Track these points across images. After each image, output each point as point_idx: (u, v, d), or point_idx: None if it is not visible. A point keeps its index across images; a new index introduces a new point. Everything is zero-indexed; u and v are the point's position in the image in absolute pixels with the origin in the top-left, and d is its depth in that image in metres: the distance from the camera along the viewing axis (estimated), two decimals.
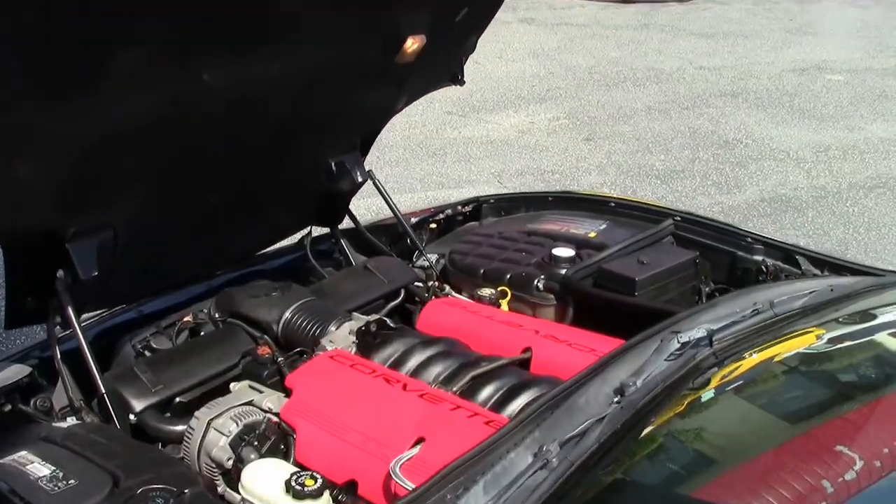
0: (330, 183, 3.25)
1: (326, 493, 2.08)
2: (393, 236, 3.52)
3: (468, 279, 3.21)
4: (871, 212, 7.05)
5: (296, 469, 2.14)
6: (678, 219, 3.31)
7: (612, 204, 3.51)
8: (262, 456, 2.33)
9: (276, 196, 3.18)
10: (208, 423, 2.39)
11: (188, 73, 2.36)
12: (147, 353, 2.86)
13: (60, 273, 2.53)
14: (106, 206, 2.56)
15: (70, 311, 2.56)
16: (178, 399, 2.63)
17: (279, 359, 2.63)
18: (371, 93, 3.09)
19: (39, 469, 2.12)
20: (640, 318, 2.73)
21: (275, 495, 2.07)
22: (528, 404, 2.32)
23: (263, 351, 2.66)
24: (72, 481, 2.07)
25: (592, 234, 3.30)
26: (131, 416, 2.53)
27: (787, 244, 3.17)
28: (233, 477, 2.33)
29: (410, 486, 2.07)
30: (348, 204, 3.41)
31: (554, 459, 1.93)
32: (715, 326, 2.38)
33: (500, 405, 2.43)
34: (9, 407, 2.49)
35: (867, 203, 7.25)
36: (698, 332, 2.36)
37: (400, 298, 3.23)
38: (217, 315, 2.97)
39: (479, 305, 2.95)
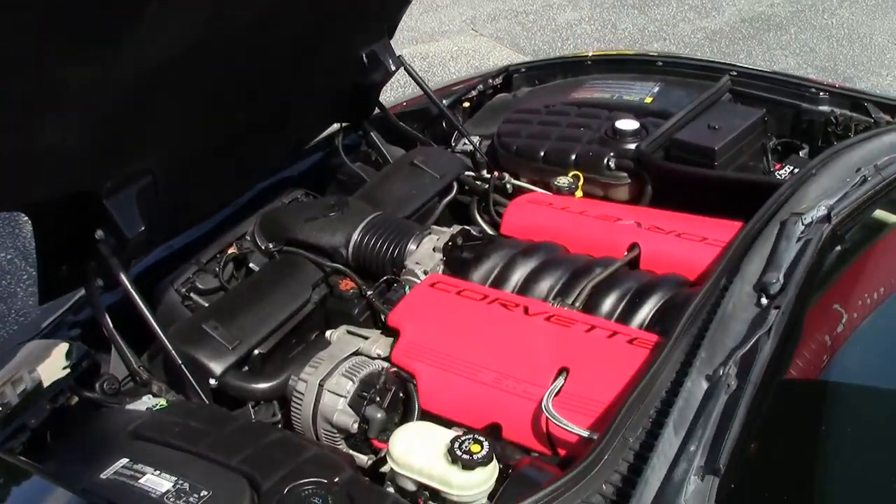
0: (361, 76, 2.98)
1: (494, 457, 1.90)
2: (425, 121, 3.27)
3: (527, 163, 2.98)
4: (848, 23, 6.90)
5: (452, 433, 1.96)
6: (734, 73, 3.11)
7: (660, 63, 3.27)
8: (386, 411, 2.16)
9: (307, 99, 2.89)
10: (320, 386, 2.18)
11: None
12: (193, 296, 2.61)
13: (100, 233, 2.26)
14: (142, 151, 2.29)
15: (122, 274, 2.29)
16: (256, 351, 2.41)
17: (368, 292, 2.40)
18: None
19: (156, 482, 1.81)
20: (723, 189, 2.61)
21: (439, 468, 1.86)
22: (664, 313, 2.20)
23: (346, 285, 2.42)
24: (204, 493, 1.76)
25: (649, 100, 3.08)
26: (212, 381, 2.30)
27: (853, 91, 3.02)
28: (357, 439, 2.16)
29: (568, 424, 1.93)
30: (379, 95, 3.13)
31: (733, 382, 1.80)
32: (831, 201, 2.25)
33: (626, 314, 2.28)
34: (76, 399, 2.20)
35: (843, 14, 7.08)
36: (819, 211, 2.23)
37: (453, 192, 3.02)
38: (267, 243, 2.71)
39: (565, 199, 2.74)
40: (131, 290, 2.29)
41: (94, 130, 2.06)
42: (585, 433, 1.93)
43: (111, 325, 2.33)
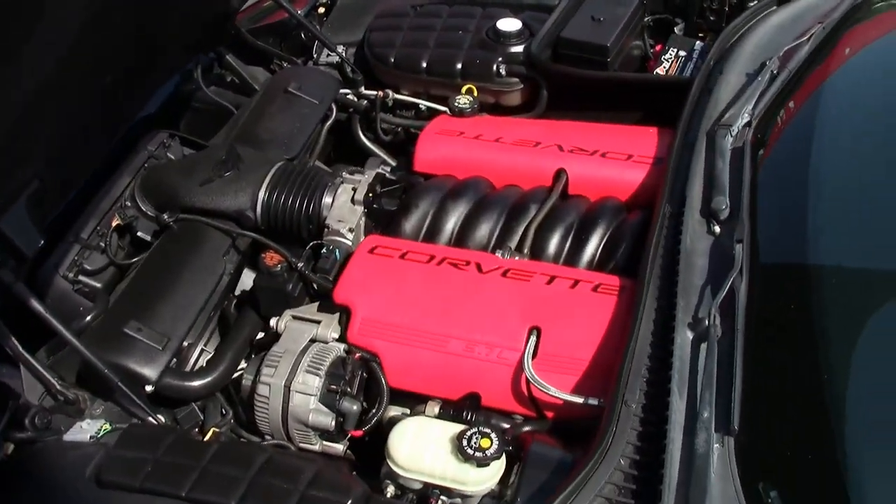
0: (220, 5, 2.69)
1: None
2: (281, 35, 3.00)
3: (408, 76, 2.82)
4: None
5: (451, 426, 1.90)
6: None
7: None
8: (359, 400, 2.07)
9: (169, 39, 2.61)
10: (286, 388, 2.05)
11: None
12: (83, 279, 2.36)
13: None
14: (26, 161, 2.05)
15: (32, 301, 2.06)
16: (185, 342, 2.24)
17: (298, 264, 2.24)
18: None
19: None
20: (624, 90, 2.59)
21: (452, 468, 1.82)
22: (613, 246, 2.21)
23: (272, 258, 2.24)
24: None
25: None
26: (148, 388, 2.12)
27: None
28: (333, 432, 2.07)
29: (555, 390, 1.93)
30: (235, 18, 2.84)
31: (719, 330, 1.82)
32: (750, 106, 2.27)
33: (574, 253, 2.25)
34: (10, 447, 1.99)
35: None
36: (742, 119, 2.26)
37: (333, 115, 2.83)
38: (155, 210, 2.46)
39: (474, 123, 2.60)
40: (43, 312, 2.06)
41: None
42: (574, 398, 1.93)
43: (20, 348, 2.08)
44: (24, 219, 2.02)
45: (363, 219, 2.38)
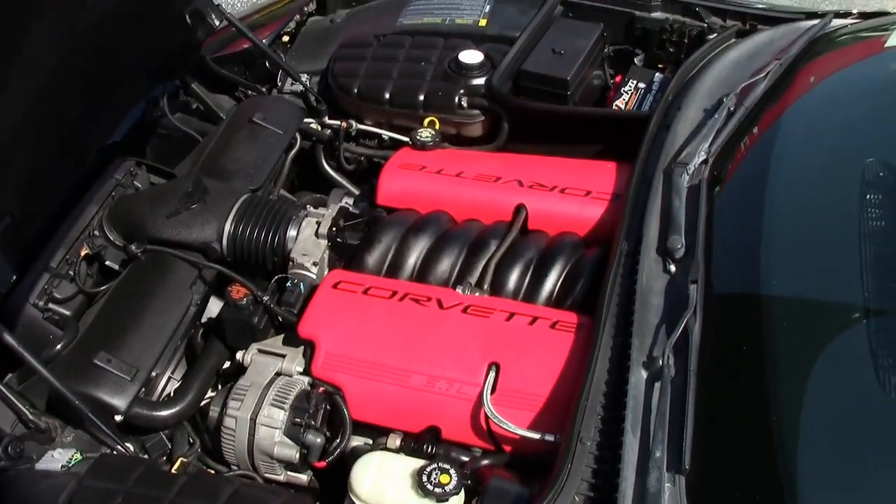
0: (186, 35, 2.73)
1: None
2: (245, 63, 3.03)
3: (372, 106, 2.86)
4: None
5: (412, 461, 1.95)
6: None
7: None
8: (322, 432, 2.12)
9: (134, 70, 2.64)
10: (252, 421, 2.10)
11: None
12: (52, 307, 2.37)
13: None
14: None
15: (6, 336, 2.07)
16: (154, 373, 2.28)
17: (264, 298, 2.28)
18: None
19: None
20: (583, 124, 2.65)
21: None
22: (571, 282, 2.27)
23: (238, 292, 2.28)
24: None
25: (483, 22, 2.99)
26: (117, 417, 2.17)
27: None
28: (297, 464, 2.13)
29: (513, 426, 1.99)
30: (200, 48, 2.88)
31: (672, 370, 1.88)
32: (706, 143, 2.34)
33: (533, 289, 2.31)
34: None
35: None
36: (699, 157, 2.32)
37: (297, 145, 2.88)
38: (122, 240, 2.49)
39: (436, 156, 2.65)
40: (15, 346, 2.08)
41: None
42: (531, 434, 1.98)
43: None
44: None
45: (327, 252, 2.43)
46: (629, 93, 2.85)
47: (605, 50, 3.02)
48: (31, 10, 1.83)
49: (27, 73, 1.94)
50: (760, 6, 2.97)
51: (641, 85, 2.86)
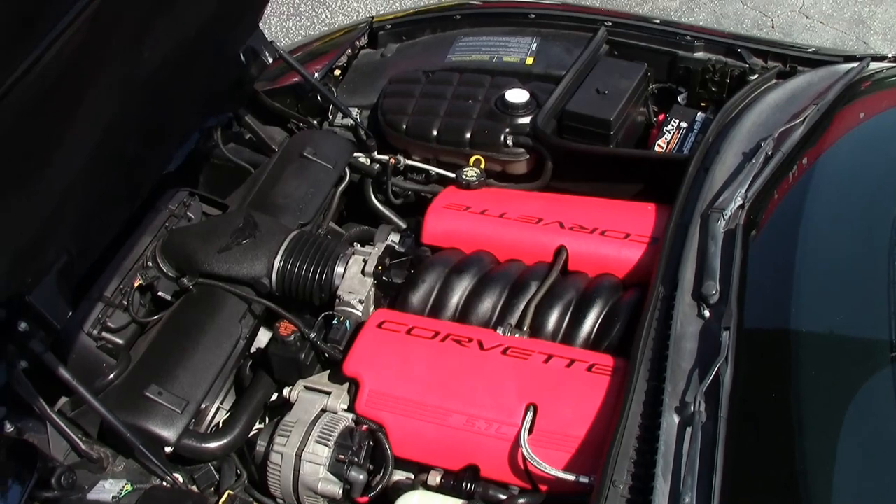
0: (240, 73, 2.82)
1: None
2: (297, 96, 3.12)
3: (419, 143, 2.94)
4: None
5: (455, 502, 2.04)
6: (609, 24, 3.11)
7: (532, 15, 3.21)
8: (365, 469, 2.20)
9: (189, 107, 2.74)
10: (297, 457, 2.19)
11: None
12: (106, 335, 2.46)
13: (24, 325, 2.12)
14: (58, 238, 2.18)
15: (60, 369, 2.17)
16: (203, 405, 2.37)
17: (311, 335, 2.37)
18: None
19: None
20: (625, 165, 2.70)
21: None
22: (608, 324, 2.34)
23: (286, 329, 2.37)
24: None
25: (530, 61, 3.05)
26: (167, 449, 2.27)
27: (726, 36, 3.09)
28: (341, 500, 2.21)
29: (550, 468, 2.05)
30: (253, 83, 2.97)
31: (703, 416, 1.93)
32: (743, 189, 2.37)
33: (572, 330, 2.37)
34: None
35: None
36: (736, 202, 2.35)
37: (347, 179, 2.96)
38: (175, 273, 2.59)
39: (481, 197, 2.73)
40: (70, 381, 2.18)
41: (18, 252, 1.95)
42: (566, 475, 2.04)
43: (48, 409, 2.22)
44: (54, 292, 2.14)
45: (373, 290, 2.50)
46: (671, 132, 2.89)
47: (650, 88, 3.07)
48: (92, 64, 1.91)
49: (88, 122, 2.02)
50: (800, 48, 3.01)
51: (683, 124, 2.90)
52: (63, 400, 2.34)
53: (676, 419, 1.95)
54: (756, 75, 2.92)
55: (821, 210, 2.39)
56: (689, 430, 1.92)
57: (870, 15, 5.85)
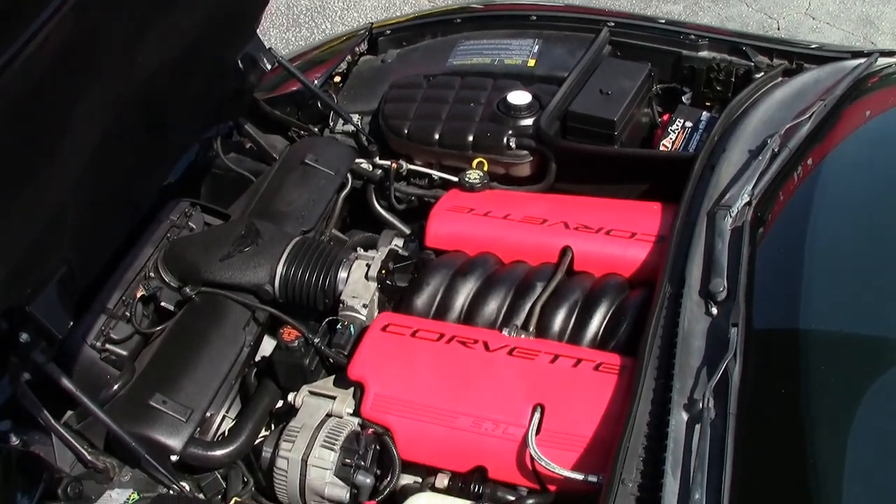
0: (239, 80, 2.81)
1: None
2: (297, 104, 3.11)
3: (422, 147, 2.92)
4: None
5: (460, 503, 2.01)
6: (612, 24, 3.09)
7: (533, 17, 3.19)
8: (372, 473, 2.18)
9: (188, 116, 2.72)
10: (303, 462, 2.16)
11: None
12: (109, 347, 2.44)
13: (25, 336, 2.10)
14: (57, 249, 2.15)
15: (63, 380, 2.16)
16: (209, 413, 2.34)
17: (315, 340, 2.35)
18: None
19: None
20: (630, 165, 2.67)
21: None
22: (615, 324, 2.31)
23: (289, 334, 2.35)
24: None
25: (532, 63, 3.04)
26: (173, 458, 2.24)
27: (731, 34, 3.06)
28: (348, 503, 2.18)
29: (558, 467, 2.02)
30: (253, 91, 2.96)
31: (712, 413, 1.90)
32: (750, 186, 2.34)
33: (578, 330, 2.34)
34: None
35: None
36: (742, 199, 2.33)
37: (349, 186, 2.95)
38: (177, 282, 2.57)
39: (485, 198, 2.71)
40: (74, 391, 2.17)
41: (17, 261, 1.93)
42: (574, 475, 2.01)
43: (52, 420, 2.20)
44: (55, 302, 2.12)
45: (377, 294, 2.48)
46: (676, 132, 2.87)
47: (653, 89, 3.05)
48: (82, 65, 1.89)
49: (82, 133, 2.00)
50: (806, 44, 2.98)
51: (688, 124, 2.87)
52: (68, 414, 2.31)
53: (685, 416, 1.92)
54: (761, 73, 2.89)
55: (829, 206, 2.37)
56: (698, 427, 1.89)
57: (878, 15, 5.83)
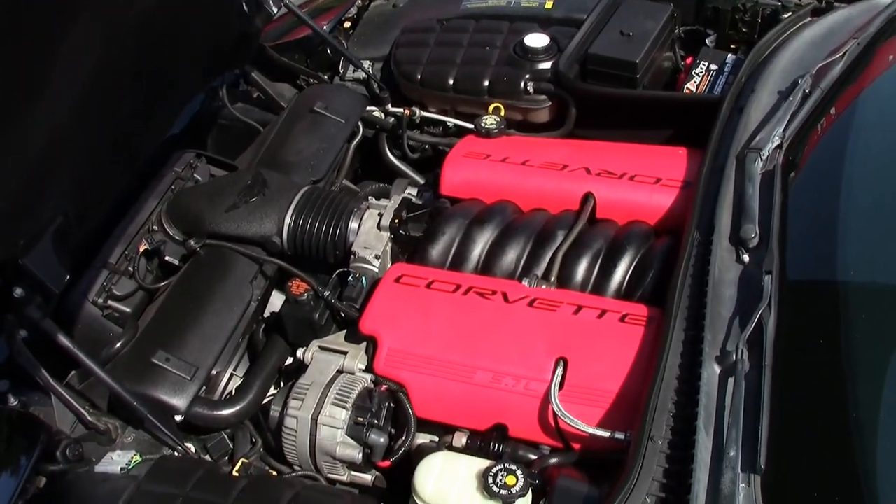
0: (243, 24, 2.70)
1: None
2: (307, 51, 3.00)
3: (435, 93, 2.82)
4: None
5: (476, 461, 1.90)
6: None
7: None
8: (386, 431, 2.08)
9: (191, 62, 2.63)
10: (313, 420, 2.06)
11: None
12: (112, 304, 2.35)
13: (19, 291, 2.01)
14: (52, 197, 2.07)
15: (59, 336, 2.06)
16: (214, 371, 2.25)
17: (325, 293, 2.24)
18: None
19: None
20: (653, 108, 2.56)
21: None
22: (641, 273, 2.21)
23: (298, 287, 2.24)
24: None
25: (549, 5, 2.93)
26: (178, 418, 2.15)
27: None
28: (361, 464, 2.09)
29: (583, 424, 1.92)
30: (259, 37, 2.85)
31: (746, 365, 1.79)
32: (781, 128, 2.24)
33: (602, 280, 2.24)
34: (42, 480, 1.99)
35: None
36: (773, 142, 2.22)
37: (360, 134, 2.84)
38: (182, 235, 2.47)
39: (502, 144, 2.59)
40: (71, 348, 2.07)
41: (7, 211, 1.86)
42: (600, 432, 1.91)
43: (51, 380, 2.11)
44: (50, 255, 2.04)
45: (389, 245, 2.39)
46: (700, 75, 2.76)
47: (676, 31, 2.93)
48: (67, 6, 1.80)
49: (71, 70, 1.91)
50: None
51: (713, 67, 2.77)
52: (71, 374, 2.23)
53: (718, 369, 1.83)
54: (789, 13, 2.78)
55: (865, 149, 2.27)
56: (731, 380, 1.79)
57: None
